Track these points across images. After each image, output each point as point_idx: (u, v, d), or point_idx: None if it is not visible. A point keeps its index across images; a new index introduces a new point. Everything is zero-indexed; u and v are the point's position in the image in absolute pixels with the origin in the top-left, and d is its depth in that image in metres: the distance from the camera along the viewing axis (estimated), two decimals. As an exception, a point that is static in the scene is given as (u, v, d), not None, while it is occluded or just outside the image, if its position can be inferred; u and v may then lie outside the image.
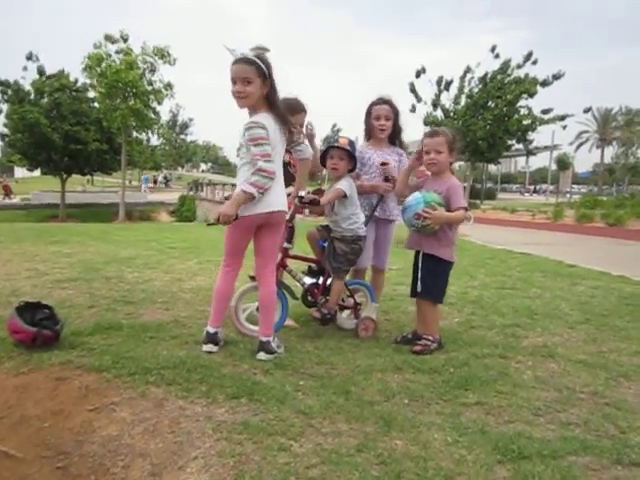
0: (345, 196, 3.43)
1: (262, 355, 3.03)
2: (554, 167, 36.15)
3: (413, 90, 23.20)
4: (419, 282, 3.36)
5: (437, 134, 3.34)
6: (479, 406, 2.48)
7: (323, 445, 2.07)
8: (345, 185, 3.44)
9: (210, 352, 3.06)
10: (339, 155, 3.46)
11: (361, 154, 3.71)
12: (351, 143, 3.51)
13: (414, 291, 3.45)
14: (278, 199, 3.04)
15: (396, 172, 3.68)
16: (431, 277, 3.35)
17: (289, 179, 3.62)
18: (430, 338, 3.32)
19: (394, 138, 3.85)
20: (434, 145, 3.31)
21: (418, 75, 22.92)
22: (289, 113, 3.36)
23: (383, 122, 3.71)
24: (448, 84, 23.18)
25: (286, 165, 3.68)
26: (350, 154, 3.47)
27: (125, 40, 19.81)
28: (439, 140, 3.30)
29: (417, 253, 3.43)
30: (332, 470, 1.89)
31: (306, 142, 3.58)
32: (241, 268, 3.25)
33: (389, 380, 2.78)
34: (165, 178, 60.48)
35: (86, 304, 4.12)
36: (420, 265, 3.37)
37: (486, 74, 22.61)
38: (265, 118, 2.94)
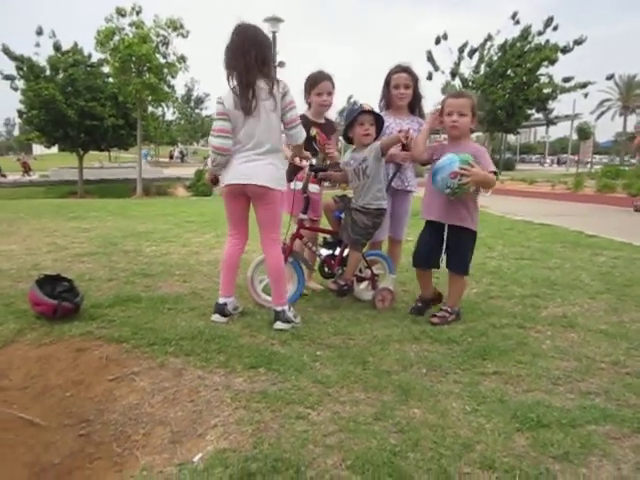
0: (383, 155, 3.38)
1: (279, 324, 3.05)
2: (575, 137, 35.39)
3: (430, 58, 22.73)
4: (446, 256, 3.27)
5: (462, 95, 3.19)
6: (497, 375, 2.47)
7: (341, 413, 2.08)
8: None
9: (215, 322, 3.11)
10: (369, 120, 3.38)
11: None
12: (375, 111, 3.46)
13: (427, 262, 3.38)
14: (244, 172, 2.99)
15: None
16: (461, 250, 3.24)
17: (313, 153, 3.61)
18: (448, 309, 3.28)
19: (414, 106, 3.77)
20: (458, 106, 3.12)
21: (438, 41, 22.38)
22: (312, 86, 3.59)
23: (402, 90, 3.63)
24: (473, 51, 22.61)
25: (311, 140, 3.65)
26: (378, 119, 3.41)
27: (138, 13, 19.61)
28: (464, 102, 3.12)
29: (438, 225, 3.27)
30: (350, 438, 1.90)
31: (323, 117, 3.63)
32: (247, 239, 3.31)
33: (407, 350, 2.78)
34: (181, 153, 60.44)
35: (105, 277, 4.17)
36: (446, 238, 3.24)
37: (506, 42, 22.04)
38: (227, 91, 2.98)
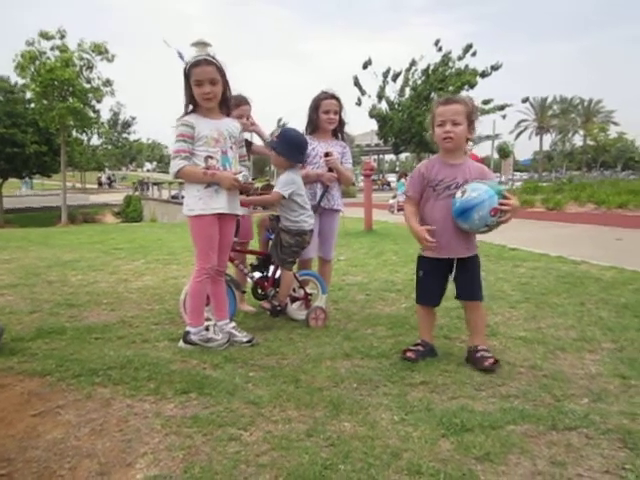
0: (284, 197, 3.46)
1: (180, 342, 3.15)
2: (496, 155, 37.25)
3: (357, 84, 23.35)
4: (458, 288, 2.95)
5: (453, 101, 2.79)
6: (424, 385, 2.56)
7: (273, 432, 2.09)
8: (282, 185, 3.46)
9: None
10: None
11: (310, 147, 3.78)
12: (280, 135, 3.56)
13: (436, 299, 3.03)
14: None
15: (339, 163, 3.77)
16: (475, 277, 2.94)
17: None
18: (485, 348, 2.87)
19: (338, 131, 3.94)
20: (450, 114, 2.74)
21: (365, 66, 23.07)
22: (234, 106, 3.50)
23: (332, 116, 3.80)
24: (396, 76, 23.45)
25: None
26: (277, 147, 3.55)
27: (62, 37, 19.08)
28: (456, 108, 2.75)
29: (442, 259, 2.89)
30: (282, 455, 1.91)
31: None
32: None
33: (338, 366, 2.83)
34: (109, 178, 58.80)
35: (27, 309, 4.00)
36: (456, 269, 2.89)
37: (428, 66, 23.04)
38: None
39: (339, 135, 3.95)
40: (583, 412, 2.24)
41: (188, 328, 3.14)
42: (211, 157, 3.04)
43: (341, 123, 3.91)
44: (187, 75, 3.01)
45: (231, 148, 3.15)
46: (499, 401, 2.38)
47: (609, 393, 2.46)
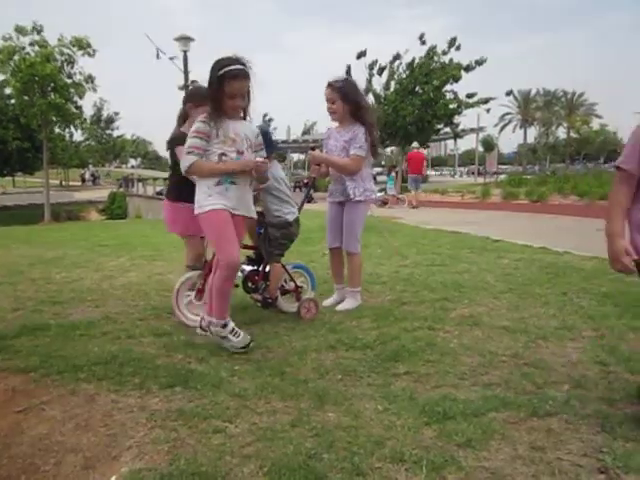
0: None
1: (198, 329, 3.22)
2: (480, 148, 37.49)
3: (348, 73, 23.26)
4: None
5: None
6: (408, 375, 2.59)
7: (258, 424, 2.11)
8: None
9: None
10: None
11: (324, 138, 3.97)
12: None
13: None
14: None
15: (331, 152, 3.83)
16: None
17: None
18: None
19: (353, 115, 3.73)
20: None
21: (359, 57, 22.97)
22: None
23: (329, 105, 3.72)
24: (382, 69, 23.40)
25: None
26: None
27: (39, 32, 18.81)
28: None
29: None
30: (267, 446, 1.93)
31: None
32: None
33: (323, 359, 2.85)
34: (93, 175, 58.22)
35: (10, 307, 3.98)
36: None
37: (413, 60, 23.02)
38: None
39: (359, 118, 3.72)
40: (563, 398, 2.29)
41: (211, 319, 3.02)
42: (225, 155, 2.95)
43: (351, 106, 3.67)
44: (220, 78, 2.87)
45: (247, 150, 3.05)
46: (481, 389, 2.42)
47: (589, 380, 2.51)
